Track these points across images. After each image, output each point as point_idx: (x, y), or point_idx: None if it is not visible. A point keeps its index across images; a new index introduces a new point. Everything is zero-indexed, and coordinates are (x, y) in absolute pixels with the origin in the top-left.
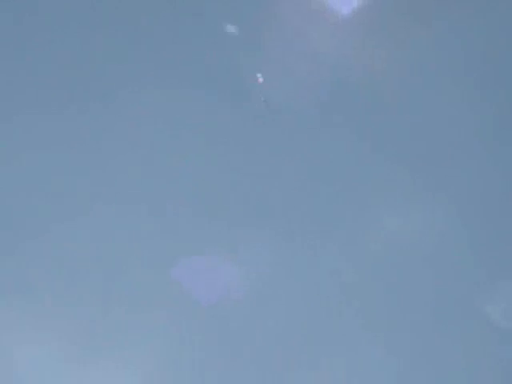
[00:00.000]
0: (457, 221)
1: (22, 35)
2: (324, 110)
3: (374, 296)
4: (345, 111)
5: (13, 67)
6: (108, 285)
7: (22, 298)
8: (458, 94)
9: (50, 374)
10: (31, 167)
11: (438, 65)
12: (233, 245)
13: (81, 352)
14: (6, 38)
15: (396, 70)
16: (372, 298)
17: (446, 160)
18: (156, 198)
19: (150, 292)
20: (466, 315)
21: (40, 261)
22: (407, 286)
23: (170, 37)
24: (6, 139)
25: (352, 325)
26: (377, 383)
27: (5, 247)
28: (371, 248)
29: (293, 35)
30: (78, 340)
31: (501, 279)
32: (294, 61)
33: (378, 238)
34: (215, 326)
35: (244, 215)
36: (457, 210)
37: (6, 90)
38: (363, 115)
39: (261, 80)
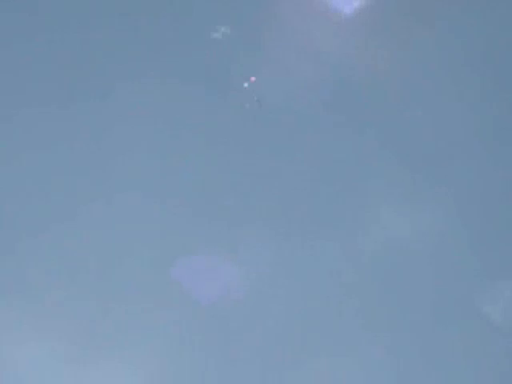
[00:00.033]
0: (456, 221)
1: (21, 34)
2: (325, 110)
3: (374, 296)
4: (346, 111)
5: (12, 66)
6: (108, 285)
7: (21, 297)
8: (459, 93)
9: (50, 374)
10: (30, 166)
11: (440, 65)
12: (232, 244)
13: (81, 352)
14: (6, 38)
15: (398, 69)
16: (372, 298)
17: (447, 160)
18: (156, 198)
19: (149, 292)
20: (465, 314)
21: (40, 261)
22: (407, 285)
23: (170, 36)
24: (4, 138)
25: (352, 325)
26: (377, 383)
27: (4, 247)
28: (371, 248)
29: (295, 35)
30: (78, 340)
31: (500, 279)
32: (296, 60)
33: (378, 238)
34: (215, 325)
35: (244, 215)
36: (457, 210)
37: (6, 89)
38: (364, 115)
39: (253, 79)
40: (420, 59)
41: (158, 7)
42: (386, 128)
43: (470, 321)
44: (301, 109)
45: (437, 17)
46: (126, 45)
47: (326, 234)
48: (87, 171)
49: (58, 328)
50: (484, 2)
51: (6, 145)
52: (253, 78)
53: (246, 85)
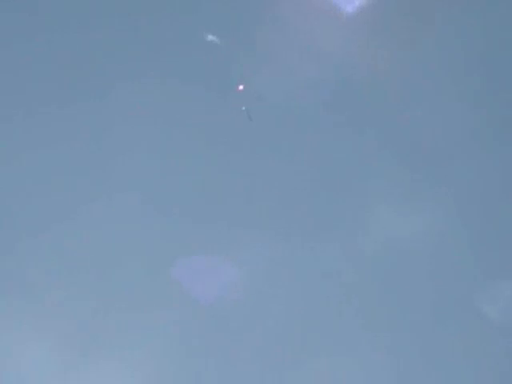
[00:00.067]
0: (456, 221)
1: (21, 34)
2: (325, 110)
3: (374, 296)
4: (346, 111)
5: (12, 66)
6: (108, 285)
7: (21, 297)
8: (459, 93)
9: (51, 373)
10: (30, 166)
11: (441, 65)
12: (232, 245)
13: (80, 351)
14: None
15: (398, 69)
16: (371, 298)
17: (447, 160)
18: (155, 199)
19: (149, 292)
20: (464, 314)
21: (40, 261)
22: (406, 285)
23: (170, 36)
24: (4, 138)
25: (351, 324)
26: (376, 382)
27: (4, 247)
28: (370, 248)
29: (296, 34)
30: (78, 339)
31: (499, 279)
32: (297, 60)
33: (378, 239)
34: (215, 325)
35: (244, 215)
36: (456, 211)
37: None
38: (365, 115)
39: (241, 88)
40: (421, 59)
41: (158, 7)
42: (386, 128)
43: (469, 320)
44: (301, 108)
45: (438, 17)
46: (126, 45)
47: (326, 235)
48: (87, 171)
49: (58, 327)
50: (484, 3)
51: (5, 145)
52: (241, 87)
53: (240, 87)
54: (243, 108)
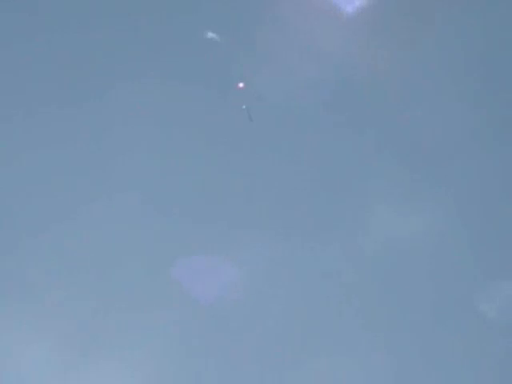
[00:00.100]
0: (455, 222)
1: (21, 34)
2: (325, 110)
3: (373, 296)
4: (346, 111)
5: (12, 66)
6: (108, 285)
7: (21, 297)
8: (459, 93)
9: (51, 374)
10: (30, 166)
11: (441, 65)
12: (232, 245)
13: (80, 351)
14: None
15: (398, 69)
16: (371, 298)
17: (447, 160)
18: (155, 199)
19: (149, 292)
20: (463, 314)
21: (40, 261)
22: (406, 285)
23: (171, 36)
24: (4, 138)
25: (351, 324)
26: (376, 382)
27: (4, 247)
28: (370, 248)
29: (296, 34)
30: (77, 339)
31: (498, 279)
32: (297, 60)
33: (377, 239)
34: (215, 325)
35: (243, 215)
36: (456, 211)
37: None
38: (365, 115)
39: (241, 86)
40: (421, 59)
41: (158, 6)
42: (386, 128)
43: (469, 320)
44: (301, 108)
45: (438, 17)
46: (125, 45)
47: (326, 235)
48: (87, 171)
49: (58, 327)
50: (484, 3)
51: (5, 145)
52: (241, 85)
53: (241, 85)
54: (243, 107)
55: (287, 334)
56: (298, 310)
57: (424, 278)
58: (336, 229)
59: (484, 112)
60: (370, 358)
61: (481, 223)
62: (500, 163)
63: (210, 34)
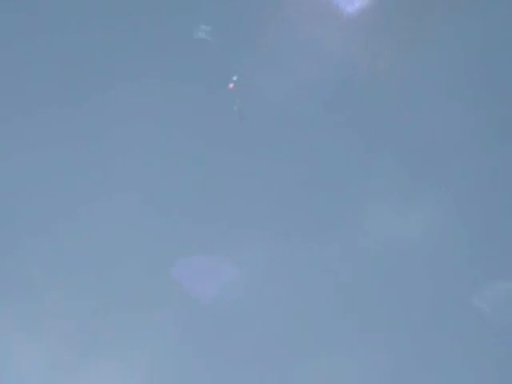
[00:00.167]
0: (454, 222)
1: (21, 34)
2: (325, 110)
3: (373, 296)
4: (346, 111)
5: (12, 66)
6: (108, 285)
7: (21, 297)
8: (459, 93)
9: (50, 374)
10: (30, 166)
11: (441, 65)
12: (232, 245)
13: (80, 351)
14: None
15: (398, 69)
16: (370, 298)
17: (447, 160)
18: (155, 199)
19: (149, 292)
20: (461, 313)
21: (40, 261)
22: (405, 285)
23: (169, 36)
24: (4, 138)
25: (350, 324)
26: (376, 381)
27: (4, 247)
28: (369, 248)
29: (297, 35)
30: (77, 339)
31: (498, 278)
32: (297, 60)
33: (376, 239)
34: (214, 324)
35: (243, 215)
36: (456, 212)
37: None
38: (365, 115)
39: (231, 86)
40: (421, 60)
41: (157, 5)
42: (386, 128)
43: (467, 319)
44: (301, 108)
45: (438, 18)
46: (125, 45)
47: (326, 235)
48: (87, 172)
49: (58, 327)
50: (484, 3)
51: (5, 145)
52: (231, 85)
53: (230, 86)
54: (235, 107)
55: (287, 333)
56: (298, 310)
57: (423, 278)
58: (336, 229)
59: (484, 112)
60: (369, 357)
61: (481, 223)
62: (500, 163)
63: (201, 34)
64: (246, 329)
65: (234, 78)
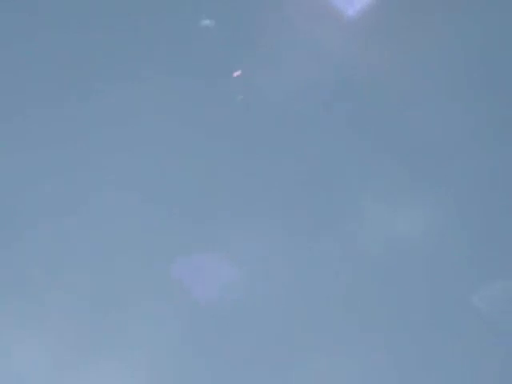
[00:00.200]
0: (454, 222)
1: (21, 34)
2: (325, 110)
3: (372, 295)
4: (346, 111)
5: (12, 66)
6: (107, 283)
7: (19, 295)
8: (459, 94)
9: (50, 373)
10: (28, 164)
11: (441, 66)
12: (231, 244)
13: (78, 351)
14: (6, 38)
15: (398, 70)
16: (370, 298)
17: (447, 160)
18: (154, 198)
19: (149, 291)
20: (461, 313)
21: (38, 260)
22: (404, 285)
23: (168, 33)
24: (3, 138)
25: (350, 324)
26: (376, 381)
27: (3, 246)
28: (368, 248)
29: (297, 35)
30: (76, 339)
31: (497, 278)
32: (298, 60)
33: (375, 238)
34: (214, 324)
35: (243, 215)
36: (456, 211)
37: (5, 89)
38: (365, 115)
39: (237, 74)
40: (421, 60)
41: (159, 4)
42: (386, 128)
43: (468, 320)
44: (301, 108)
45: (438, 18)
46: (120, 42)
47: (326, 235)
48: (85, 169)
49: (56, 325)
50: (485, 3)
51: (5, 144)
52: (236, 73)
53: (235, 74)
54: (239, 97)
55: (287, 332)
56: (298, 309)
57: (423, 277)
58: (336, 229)
59: (484, 112)
60: (368, 356)
61: (481, 223)
62: (500, 163)
63: (205, 22)
64: (245, 328)
65: (238, 72)
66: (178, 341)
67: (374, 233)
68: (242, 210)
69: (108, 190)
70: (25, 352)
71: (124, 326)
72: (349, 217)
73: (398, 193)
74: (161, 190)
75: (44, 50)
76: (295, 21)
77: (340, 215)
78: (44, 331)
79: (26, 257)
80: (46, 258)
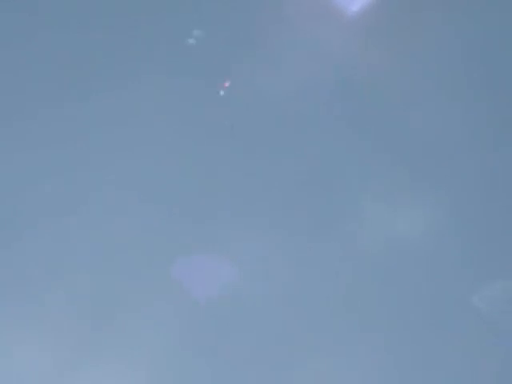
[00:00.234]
0: (454, 222)
1: (20, 32)
2: (324, 109)
3: (372, 295)
4: (346, 111)
5: (11, 66)
6: (106, 283)
7: (19, 296)
8: (461, 93)
9: (49, 374)
10: (28, 164)
11: (441, 66)
12: (231, 245)
13: (78, 351)
14: (6, 38)
15: (398, 70)
16: (370, 298)
17: (447, 160)
18: (155, 198)
19: (149, 291)
20: (461, 313)
21: (38, 260)
22: (404, 284)
23: (167, 35)
24: (3, 137)
25: (350, 324)
26: (376, 381)
27: (3, 246)
28: (367, 248)
29: (297, 34)
30: (75, 339)
31: (497, 278)
32: (298, 59)
33: (376, 239)
34: (214, 324)
35: (243, 215)
36: (456, 211)
37: (5, 88)
38: (365, 115)
39: (227, 85)
40: (421, 60)
41: (158, 4)
42: (386, 128)
43: (467, 320)
44: (300, 108)
45: (439, 18)
46: (120, 42)
47: (325, 235)
48: (85, 170)
49: (55, 326)
50: (485, 3)
51: (5, 144)
52: (226, 84)
53: (221, 93)
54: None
55: (287, 332)
56: (298, 310)
57: (423, 278)
58: (336, 229)
59: (484, 112)
60: (368, 356)
61: (481, 223)
62: (500, 163)
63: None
64: (245, 328)
65: (226, 84)
66: (177, 341)
67: (374, 233)
68: (242, 210)
69: (108, 190)
70: (25, 352)
71: (124, 326)
72: (349, 217)
73: (397, 193)
74: (161, 190)
75: (44, 50)
76: (295, 20)
77: (340, 215)
78: (44, 331)
79: (26, 257)
80: (46, 258)
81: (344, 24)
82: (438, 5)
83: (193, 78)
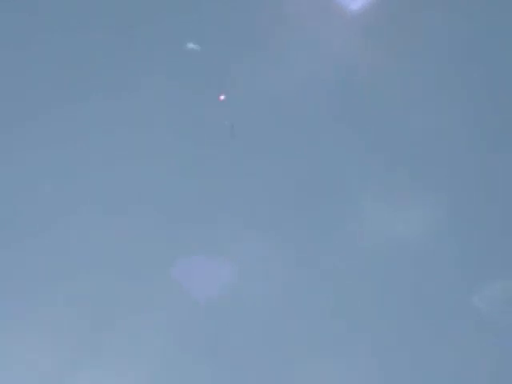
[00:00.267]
0: (454, 222)
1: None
2: (324, 109)
3: (371, 295)
4: (347, 110)
5: (11, 66)
6: (107, 284)
7: (20, 297)
8: (461, 94)
9: (51, 374)
10: (29, 166)
11: (442, 65)
12: (231, 245)
13: (77, 352)
14: (6, 38)
15: (398, 70)
16: (369, 298)
17: (446, 160)
18: (155, 200)
19: (149, 292)
20: (461, 313)
21: (38, 262)
22: (403, 284)
23: (168, 35)
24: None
25: (350, 324)
26: (375, 381)
27: (3, 246)
28: (367, 248)
29: (297, 34)
30: (75, 340)
31: (496, 278)
32: (299, 59)
33: (374, 239)
34: (214, 324)
35: (243, 216)
36: (455, 211)
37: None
38: (364, 114)
39: (222, 98)
40: (422, 60)
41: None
42: (386, 128)
43: (467, 320)
44: (300, 108)
45: (439, 18)
46: (120, 43)
47: (325, 235)
48: (86, 172)
49: (55, 326)
50: (485, 3)
51: (5, 144)
52: (221, 98)
53: (222, 97)
54: (226, 122)
55: (287, 332)
56: (298, 310)
57: (423, 278)
58: (336, 229)
59: (484, 112)
60: (367, 356)
61: (481, 223)
62: (500, 163)
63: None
64: (245, 329)
65: (222, 97)
66: (177, 341)
67: (374, 233)
68: (242, 211)
69: (108, 192)
70: (25, 353)
71: (124, 327)
72: (349, 217)
73: (397, 193)
74: (161, 191)
75: (45, 51)
76: (295, 20)
77: (340, 215)
78: (44, 332)
79: (27, 257)
80: (47, 258)
81: (344, 23)
82: (438, 5)
83: (192, 78)
